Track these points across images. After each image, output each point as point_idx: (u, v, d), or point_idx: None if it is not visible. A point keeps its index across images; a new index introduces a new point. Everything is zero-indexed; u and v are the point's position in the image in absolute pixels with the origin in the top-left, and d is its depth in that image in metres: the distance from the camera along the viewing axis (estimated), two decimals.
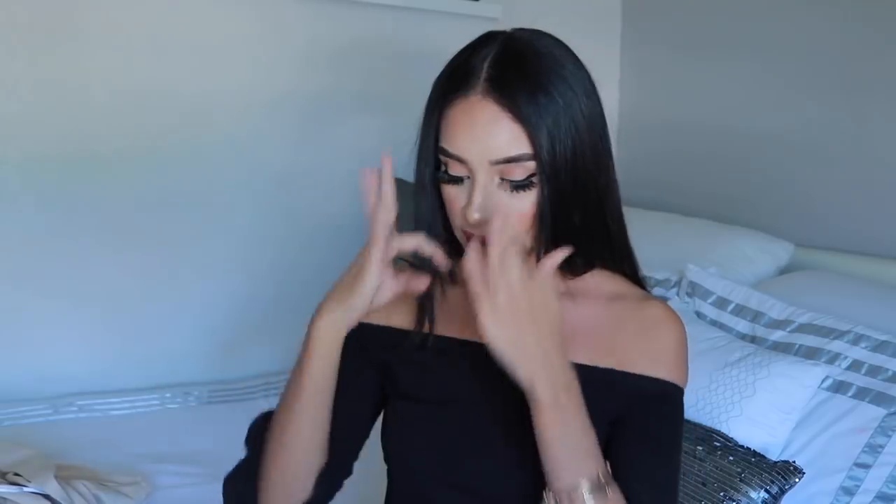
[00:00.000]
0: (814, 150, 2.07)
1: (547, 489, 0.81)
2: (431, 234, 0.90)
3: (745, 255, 2.04)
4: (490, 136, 0.82)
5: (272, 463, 0.92)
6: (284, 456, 0.92)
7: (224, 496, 1.00)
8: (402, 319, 0.98)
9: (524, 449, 0.84)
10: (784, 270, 2.02)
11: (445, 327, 0.95)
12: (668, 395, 0.90)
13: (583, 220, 0.87)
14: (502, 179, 0.83)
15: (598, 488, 0.79)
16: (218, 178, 2.22)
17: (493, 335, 0.78)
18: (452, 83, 0.85)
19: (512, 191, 0.83)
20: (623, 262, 0.95)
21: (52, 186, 2.03)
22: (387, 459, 0.97)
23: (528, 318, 0.79)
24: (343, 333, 0.88)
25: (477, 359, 0.87)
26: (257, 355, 2.32)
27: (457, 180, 0.85)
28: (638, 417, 0.87)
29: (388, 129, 2.05)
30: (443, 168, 0.86)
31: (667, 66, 2.53)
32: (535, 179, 0.83)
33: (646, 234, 2.27)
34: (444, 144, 0.85)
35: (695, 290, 1.87)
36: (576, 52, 0.88)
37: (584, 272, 0.93)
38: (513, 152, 0.82)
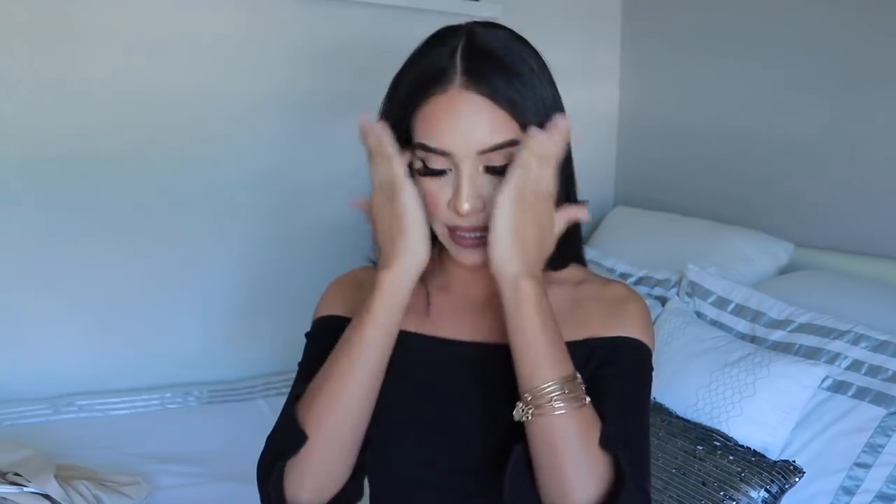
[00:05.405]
0: (814, 150, 2.07)
1: (520, 401, 0.82)
2: None
3: (745, 255, 2.04)
4: (474, 126, 0.83)
5: (319, 429, 0.85)
6: (336, 419, 0.86)
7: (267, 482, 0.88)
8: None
9: (502, 447, 0.84)
10: (784, 270, 2.02)
11: (421, 324, 0.97)
12: (636, 348, 0.93)
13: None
14: (487, 168, 0.85)
15: (572, 388, 0.81)
16: (217, 178, 2.22)
17: (503, 215, 0.82)
18: (426, 81, 0.86)
19: (497, 177, 0.85)
20: (580, 251, 1.00)
21: (52, 186, 2.03)
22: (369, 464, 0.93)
23: (534, 218, 0.83)
24: (415, 279, 0.87)
25: (454, 356, 0.93)
26: (257, 355, 2.32)
27: (438, 173, 0.86)
28: (610, 370, 0.90)
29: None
30: (420, 164, 0.87)
31: (667, 66, 2.52)
32: None
33: (646, 234, 2.32)
34: (425, 141, 0.85)
35: (695, 290, 1.87)
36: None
37: (562, 267, 0.97)
38: (498, 140, 0.83)
